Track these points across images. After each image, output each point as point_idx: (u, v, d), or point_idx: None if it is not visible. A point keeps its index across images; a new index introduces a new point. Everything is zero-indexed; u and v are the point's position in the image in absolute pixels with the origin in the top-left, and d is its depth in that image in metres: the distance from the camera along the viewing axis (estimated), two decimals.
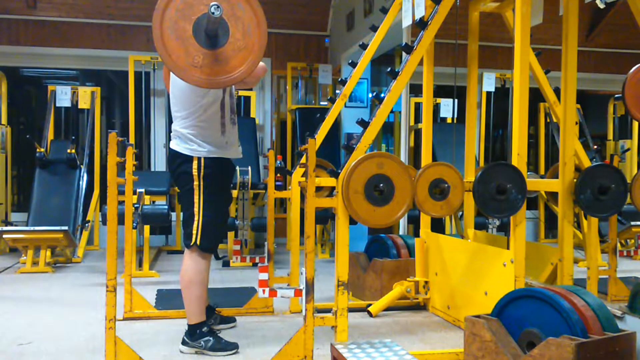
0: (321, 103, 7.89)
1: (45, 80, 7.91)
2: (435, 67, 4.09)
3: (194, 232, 3.18)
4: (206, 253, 3.23)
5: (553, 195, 6.16)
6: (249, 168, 6.00)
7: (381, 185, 2.93)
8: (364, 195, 2.92)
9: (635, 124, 7.58)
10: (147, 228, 5.75)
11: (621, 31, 8.13)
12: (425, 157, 4.01)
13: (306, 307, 2.83)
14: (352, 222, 2.96)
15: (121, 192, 3.34)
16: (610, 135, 7.89)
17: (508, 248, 3.19)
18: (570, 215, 3.35)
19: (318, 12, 8.06)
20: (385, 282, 4.14)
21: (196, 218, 3.17)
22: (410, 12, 3.48)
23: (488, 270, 3.34)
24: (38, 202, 6.29)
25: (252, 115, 7.38)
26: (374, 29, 4.06)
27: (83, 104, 7.05)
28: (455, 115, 5.32)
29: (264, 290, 3.09)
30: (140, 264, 5.50)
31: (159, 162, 7.66)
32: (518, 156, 3.11)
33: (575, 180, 3.33)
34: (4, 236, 5.60)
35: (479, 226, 5.20)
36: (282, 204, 7.56)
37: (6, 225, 6.06)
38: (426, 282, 3.97)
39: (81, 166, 6.61)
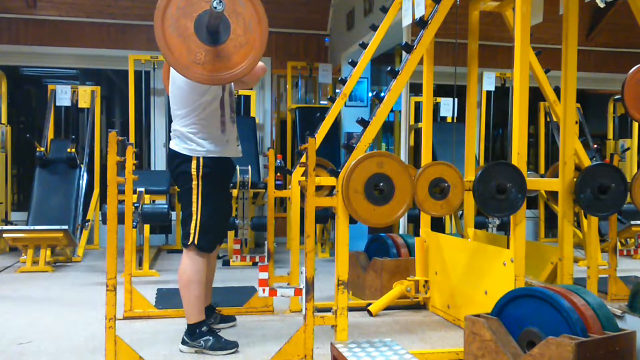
0: (321, 102, 7.89)
1: (45, 79, 7.91)
2: (435, 66, 4.09)
3: (192, 231, 3.17)
4: (204, 252, 3.23)
5: (553, 195, 6.16)
6: (249, 167, 6.00)
7: (381, 184, 2.93)
8: (364, 195, 2.92)
9: (635, 123, 7.58)
10: (147, 227, 5.75)
11: (621, 30, 8.13)
12: (425, 157, 4.01)
13: (306, 306, 2.83)
14: (352, 221, 2.96)
15: (121, 192, 3.34)
16: (610, 135, 7.89)
17: (508, 247, 3.19)
18: (570, 215, 3.35)
19: (318, 11, 8.05)
20: (385, 281, 4.14)
21: (194, 217, 3.17)
22: (410, 11, 3.48)
23: (488, 270, 3.34)
24: (38, 202, 6.29)
25: (252, 114, 7.38)
26: (374, 28, 4.06)
27: (83, 103, 7.05)
28: (455, 115, 5.33)
29: (264, 290, 3.09)
30: (140, 263, 5.50)
31: (159, 162, 7.66)
32: (518, 155, 3.11)
33: (575, 179, 3.33)
34: (4, 235, 5.60)
35: (479, 225, 5.21)
36: (282, 203, 7.57)
37: (6, 225, 6.06)
38: (426, 282, 3.97)
39: (81, 165, 6.61)
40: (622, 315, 2.84)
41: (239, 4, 2.68)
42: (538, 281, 3.81)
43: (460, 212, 5.94)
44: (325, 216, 6.05)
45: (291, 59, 7.80)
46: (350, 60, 4.11)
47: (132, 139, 6.93)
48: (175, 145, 3.24)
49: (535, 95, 4.54)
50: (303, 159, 3.42)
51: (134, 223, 4.87)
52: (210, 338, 3.15)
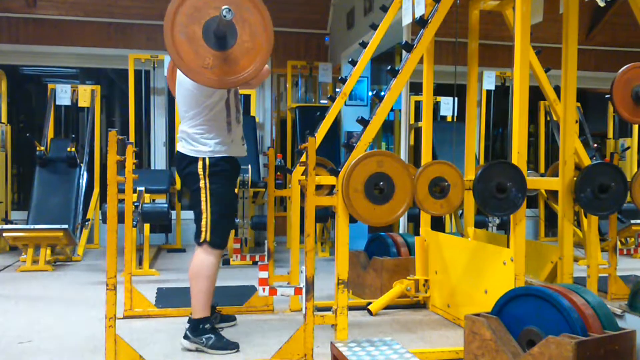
0: (321, 101, 7.89)
1: (45, 78, 7.91)
2: (436, 65, 4.09)
3: (203, 229, 3.23)
4: (216, 249, 3.27)
5: (553, 194, 6.16)
6: (249, 166, 6.00)
7: (381, 183, 2.93)
8: (364, 194, 2.92)
9: None
10: (147, 226, 5.75)
11: (621, 30, 8.13)
12: (425, 156, 4.01)
13: (306, 306, 2.83)
14: (352, 220, 2.97)
15: (121, 191, 3.35)
16: (610, 134, 7.89)
17: (508, 246, 3.19)
18: (570, 214, 3.35)
19: (318, 10, 8.05)
20: (385, 280, 4.14)
21: (204, 215, 3.23)
22: (410, 10, 3.47)
23: (488, 269, 3.34)
24: (38, 201, 6.30)
25: (252, 113, 7.38)
26: (374, 27, 4.06)
27: (83, 102, 7.05)
28: (455, 114, 5.33)
29: (264, 289, 3.09)
30: (140, 263, 5.50)
31: (159, 161, 7.66)
32: (518, 154, 3.11)
33: (575, 178, 3.33)
34: (4, 234, 5.60)
35: (479, 224, 5.20)
36: (282, 203, 7.57)
37: (6, 224, 6.06)
38: (426, 281, 3.97)
39: (81, 164, 6.61)
40: (622, 315, 2.84)
41: (246, 11, 2.75)
42: (538, 280, 3.81)
43: (460, 211, 5.94)
44: (325, 215, 6.05)
45: (291, 58, 7.80)
46: (350, 59, 4.11)
47: (132, 138, 6.93)
48: (182, 147, 3.31)
49: (535, 95, 4.54)
50: (303, 158, 3.42)
51: (134, 222, 4.87)
52: (212, 336, 3.16)
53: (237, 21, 2.73)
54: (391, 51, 7.05)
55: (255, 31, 2.79)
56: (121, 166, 3.51)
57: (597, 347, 2.27)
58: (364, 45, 4.09)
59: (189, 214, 7.46)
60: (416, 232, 4.71)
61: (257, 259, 5.84)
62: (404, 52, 3.30)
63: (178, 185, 7.11)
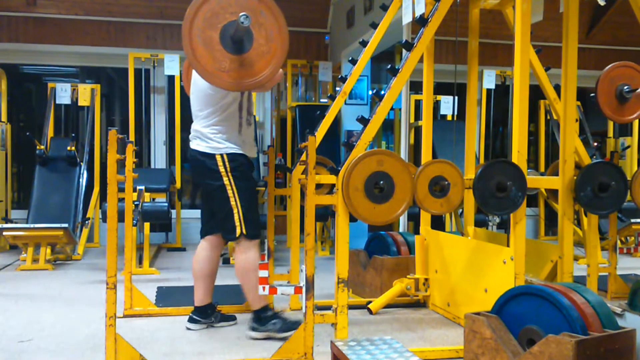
0: (321, 100, 7.88)
1: (45, 77, 7.91)
2: (436, 64, 4.09)
3: (237, 223, 3.30)
4: (253, 239, 3.36)
5: (553, 193, 6.15)
6: None
7: (381, 182, 2.93)
8: (364, 193, 2.92)
9: (636, 121, 7.58)
10: (147, 225, 5.76)
11: (621, 28, 8.13)
12: (426, 155, 4.01)
13: (306, 305, 2.83)
14: (352, 219, 2.97)
15: (121, 190, 3.34)
16: (611, 133, 7.89)
17: (508, 245, 3.19)
18: (571, 213, 3.35)
19: (318, 9, 8.05)
20: (385, 279, 4.14)
21: (235, 211, 3.30)
22: (410, 9, 3.47)
23: (488, 268, 3.34)
24: (38, 200, 6.29)
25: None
26: (374, 26, 4.05)
27: (83, 101, 7.05)
28: (456, 113, 5.33)
29: (264, 288, 3.09)
30: (140, 262, 5.50)
31: (159, 160, 7.66)
32: (518, 153, 3.11)
33: (575, 177, 3.33)
34: (4, 233, 5.60)
35: (479, 223, 5.19)
36: (282, 202, 7.57)
37: (6, 223, 6.06)
38: (426, 280, 3.97)
39: (81, 163, 6.61)
40: (622, 313, 2.84)
41: (261, 15, 2.85)
42: (538, 279, 3.81)
43: (460, 210, 5.93)
44: (325, 214, 6.05)
45: (291, 57, 7.78)
46: (350, 58, 4.11)
47: (132, 137, 6.93)
48: (197, 145, 3.37)
49: (536, 93, 4.54)
50: (303, 157, 3.42)
51: (134, 221, 4.87)
52: (277, 321, 3.31)
53: (253, 25, 2.81)
54: (391, 50, 7.06)
55: (270, 35, 2.89)
56: (121, 165, 3.51)
57: (597, 345, 2.27)
58: (364, 44, 4.09)
59: (188, 213, 7.54)
60: (416, 231, 4.71)
61: None
62: (404, 51, 3.30)
63: (178, 184, 7.12)
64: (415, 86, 6.61)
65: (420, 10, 3.35)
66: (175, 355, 3.08)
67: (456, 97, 4.59)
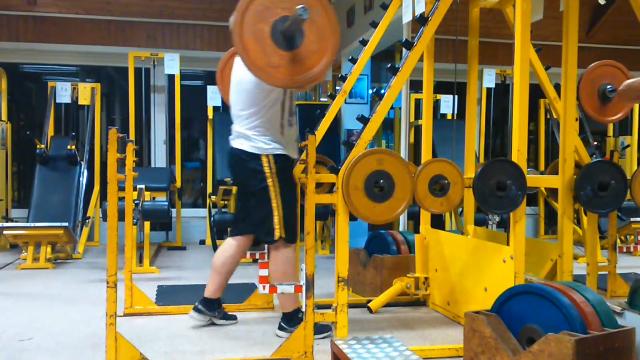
0: (321, 99, 7.88)
1: (45, 76, 7.91)
2: (436, 63, 4.09)
3: (276, 226, 3.28)
4: (292, 244, 3.36)
5: (553, 192, 6.15)
6: None
7: (381, 181, 2.94)
8: (364, 192, 2.92)
9: (635, 120, 7.59)
10: (147, 224, 5.76)
11: (621, 27, 8.13)
12: (425, 154, 4.01)
13: (306, 303, 2.83)
14: (352, 218, 2.97)
15: (121, 189, 3.35)
16: (610, 132, 7.89)
17: (508, 244, 3.19)
18: (570, 212, 3.35)
19: None
20: (385, 278, 4.15)
21: (276, 213, 3.27)
22: (410, 8, 3.47)
23: (488, 267, 3.34)
24: (38, 199, 6.30)
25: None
26: (374, 25, 4.05)
27: (83, 100, 7.06)
28: (456, 112, 5.33)
29: (264, 287, 3.09)
30: (140, 260, 5.51)
31: (159, 159, 7.66)
32: (518, 152, 3.11)
33: (575, 176, 3.33)
34: (5, 232, 5.61)
35: (479, 222, 5.20)
36: None
37: (7, 222, 6.07)
38: (426, 278, 3.97)
39: (81, 162, 6.61)
40: (621, 312, 2.84)
41: (315, 12, 2.81)
42: (538, 278, 3.81)
43: (460, 209, 5.93)
44: (325, 213, 6.05)
45: None
46: (350, 57, 4.11)
47: (132, 136, 6.93)
48: (240, 144, 3.35)
49: (536, 92, 4.54)
50: (303, 156, 3.42)
51: (135, 220, 4.88)
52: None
53: (305, 22, 2.77)
54: (391, 49, 7.06)
55: (322, 33, 2.86)
56: (121, 164, 3.52)
57: (596, 344, 2.27)
58: (364, 43, 4.09)
59: (188, 212, 7.55)
60: (416, 230, 4.71)
61: (257, 256, 5.83)
62: (404, 50, 3.30)
63: (178, 183, 7.12)
64: (415, 85, 6.62)
65: (420, 9, 3.35)
66: (176, 354, 3.08)
67: (456, 96, 4.59)
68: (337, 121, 7.19)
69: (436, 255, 3.91)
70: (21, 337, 3.37)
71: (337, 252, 2.96)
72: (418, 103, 7.23)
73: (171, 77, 7.23)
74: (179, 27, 7.63)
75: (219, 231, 6.62)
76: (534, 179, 3.83)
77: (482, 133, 7.63)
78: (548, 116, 7.82)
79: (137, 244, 5.61)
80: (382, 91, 3.24)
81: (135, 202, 5.11)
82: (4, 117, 6.97)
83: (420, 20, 3.32)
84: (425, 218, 4.08)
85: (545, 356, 2.28)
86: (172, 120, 7.32)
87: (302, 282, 2.86)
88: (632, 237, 6.47)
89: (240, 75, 3.33)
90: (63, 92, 7.01)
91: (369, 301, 3.85)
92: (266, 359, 2.88)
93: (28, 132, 6.76)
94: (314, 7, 2.79)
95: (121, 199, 3.35)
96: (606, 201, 3.32)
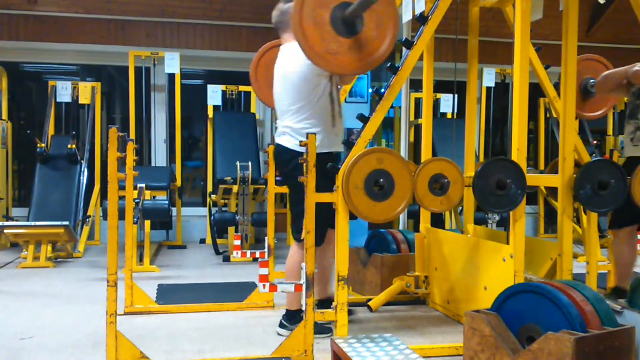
0: None
1: (46, 75, 7.91)
2: (435, 62, 4.09)
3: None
4: (317, 245, 3.31)
5: (553, 191, 6.15)
6: (249, 163, 6.01)
7: (381, 180, 2.94)
8: (364, 191, 2.93)
9: None
10: (147, 223, 5.77)
11: (621, 26, 8.13)
12: (425, 153, 4.02)
13: (306, 302, 2.84)
14: (352, 217, 2.97)
15: (122, 187, 3.35)
16: (610, 131, 7.89)
17: (507, 243, 3.19)
18: (570, 210, 3.36)
19: None
20: (385, 277, 4.15)
21: None
22: (410, 7, 3.47)
23: (488, 265, 3.35)
24: (39, 197, 6.30)
25: (253, 110, 7.38)
26: None
27: (83, 99, 7.06)
28: (455, 111, 5.33)
29: (264, 285, 3.10)
30: (140, 259, 5.51)
31: (159, 158, 7.67)
32: (518, 151, 3.11)
33: (574, 175, 3.33)
34: (5, 231, 5.61)
35: (479, 221, 5.20)
36: (282, 199, 7.57)
37: (7, 221, 6.07)
38: (426, 277, 3.98)
39: (82, 161, 6.62)
40: (621, 311, 2.85)
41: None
42: (537, 277, 3.82)
43: (460, 208, 5.94)
44: None
45: None
46: None
47: (132, 135, 6.93)
48: (286, 141, 3.32)
49: (535, 91, 4.54)
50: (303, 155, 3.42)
51: (135, 219, 4.88)
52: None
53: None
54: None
55: (381, 20, 2.87)
56: (122, 163, 3.52)
57: (596, 343, 2.28)
58: None
59: (189, 211, 7.54)
60: (416, 229, 4.72)
61: (257, 255, 5.84)
62: (404, 49, 3.30)
63: (179, 182, 7.13)
64: (415, 84, 6.62)
65: (420, 8, 3.35)
66: (176, 353, 3.09)
67: (456, 95, 4.59)
68: None
69: (436, 254, 3.92)
70: (22, 336, 3.38)
71: (337, 251, 2.96)
72: (418, 102, 7.23)
73: (171, 76, 7.23)
74: (179, 26, 7.63)
75: (219, 230, 6.63)
76: (533, 178, 3.83)
77: (482, 132, 7.64)
78: (548, 115, 7.82)
79: (137, 243, 5.62)
80: (382, 90, 3.24)
81: (136, 201, 5.11)
82: (5, 116, 6.97)
83: (420, 19, 3.32)
84: (425, 217, 4.09)
85: (544, 355, 2.28)
86: (172, 119, 7.32)
87: (302, 280, 2.87)
88: None
89: (286, 69, 3.33)
90: (63, 91, 7.01)
91: (369, 300, 3.85)
92: (266, 358, 2.89)
93: (28, 131, 6.76)
94: None
95: (121, 197, 3.35)
96: (606, 200, 3.32)
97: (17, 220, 6.10)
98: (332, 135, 3.31)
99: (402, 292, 3.94)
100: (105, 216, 5.38)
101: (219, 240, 6.43)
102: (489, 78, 7.64)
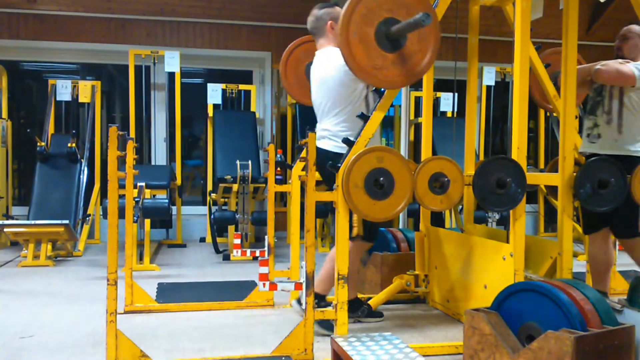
0: None
1: (46, 74, 7.90)
2: (435, 61, 4.07)
3: (355, 224, 3.35)
4: (368, 242, 3.52)
5: (553, 189, 6.16)
6: (249, 162, 6.01)
7: (381, 179, 2.94)
8: (364, 189, 2.93)
9: None
10: (147, 222, 5.77)
11: (621, 25, 8.05)
12: (425, 151, 4.02)
13: (306, 301, 2.84)
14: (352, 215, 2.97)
15: (122, 186, 3.35)
16: None
17: (508, 242, 3.19)
18: (570, 209, 3.36)
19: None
20: (385, 275, 4.16)
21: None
22: None
23: (488, 264, 3.35)
24: (39, 196, 6.30)
25: (253, 109, 7.38)
26: None
27: (83, 98, 7.05)
28: (455, 109, 5.33)
29: (264, 284, 3.10)
30: (141, 258, 5.51)
31: (159, 156, 7.67)
32: (518, 150, 3.11)
33: (574, 174, 3.33)
34: (5, 230, 5.61)
35: (479, 220, 5.20)
36: (282, 198, 7.58)
37: (7, 219, 6.07)
38: (426, 276, 3.98)
39: (82, 160, 6.61)
40: (621, 310, 2.85)
41: (415, 12, 2.85)
42: (537, 276, 3.82)
43: (460, 206, 5.94)
44: (325, 211, 6.06)
45: None
46: None
47: (132, 134, 6.93)
48: (325, 144, 3.42)
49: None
50: (303, 154, 3.42)
51: (135, 218, 4.88)
52: (365, 308, 3.58)
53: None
54: None
55: (423, 34, 2.95)
56: (122, 162, 3.52)
57: (596, 342, 2.28)
58: None
59: (189, 210, 7.54)
60: (416, 228, 4.72)
61: (257, 254, 5.83)
62: None
63: (179, 181, 7.13)
64: (415, 83, 6.60)
65: None
66: (176, 352, 3.09)
67: (456, 94, 4.59)
68: None
69: (436, 253, 3.92)
70: (22, 335, 3.38)
71: (336, 250, 2.96)
72: (418, 101, 7.23)
73: (171, 75, 7.23)
74: (179, 24, 7.63)
75: (219, 229, 6.63)
76: (533, 177, 3.83)
77: (482, 131, 7.64)
78: (548, 114, 7.81)
79: (137, 242, 5.62)
80: (382, 89, 3.24)
81: (136, 199, 5.11)
82: (5, 114, 6.97)
83: None
84: (425, 216, 4.09)
85: (544, 353, 2.28)
86: (172, 118, 7.32)
87: (303, 279, 2.87)
88: None
89: (323, 75, 3.40)
90: (63, 89, 7.01)
91: (369, 299, 3.86)
92: (266, 357, 2.89)
93: (28, 130, 6.75)
94: (415, 10, 2.87)
95: (121, 196, 3.35)
96: (606, 199, 3.31)
97: (17, 219, 6.10)
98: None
99: (402, 291, 3.94)
100: (105, 215, 5.38)
101: (219, 239, 6.43)
102: (489, 77, 7.64)
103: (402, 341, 2.77)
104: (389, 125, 8.31)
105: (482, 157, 7.14)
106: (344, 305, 2.94)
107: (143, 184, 5.39)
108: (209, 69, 8.23)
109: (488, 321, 2.52)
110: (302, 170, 3.69)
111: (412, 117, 6.88)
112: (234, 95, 7.38)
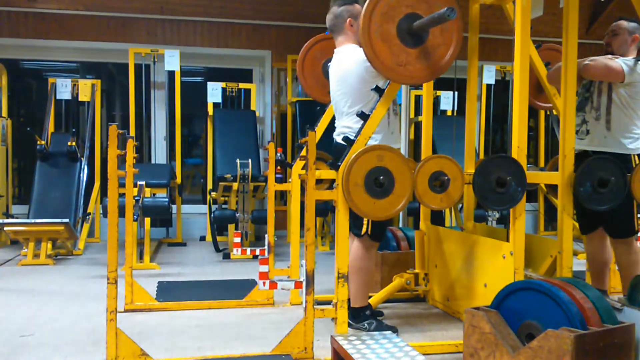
0: None
1: (46, 72, 7.90)
2: None
3: (365, 222, 3.32)
4: (376, 241, 3.44)
5: (553, 188, 6.16)
6: (250, 161, 6.00)
7: (381, 177, 2.94)
8: (364, 188, 2.93)
9: None
10: (147, 220, 5.77)
11: None
12: (425, 150, 4.02)
13: (306, 299, 2.84)
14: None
15: (122, 185, 3.35)
16: None
17: (507, 240, 3.19)
18: (570, 208, 3.36)
19: (318, 4, 8.02)
20: (385, 274, 4.16)
21: None
22: None
23: (487, 263, 3.35)
24: (39, 195, 6.30)
25: (253, 107, 7.37)
26: None
27: (83, 96, 7.05)
28: (455, 108, 5.33)
29: (264, 283, 3.10)
30: (141, 257, 5.51)
31: (159, 155, 7.67)
32: (518, 149, 3.11)
33: (575, 172, 3.33)
34: (5, 229, 5.62)
35: (479, 218, 5.21)
36: (282, 197, 7.58)
37: (7, 218, 6.07)
38: (426, 274, 3.98)
39: (82, 159, 6.62)
40: (621, 308, 2.85)
41: (436, 6, 2.86)
42: (537, 274, 3.82)
43: (460, 205, 5.94)
44: (325, 209, 6.06)
45: (291, 52, 7.77)
46: None
47: (132, 132, 6.93)
48: (343, 140, 3.32)
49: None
50: (303, 153, 3.42)
51: (135, 216, 4.88)
52: (374, 322, 3.38)
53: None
54: None
55: (445, 26, 2.92)
56: (122, 160, 3.52)
57: (596, 340, 2.28)
58: None
59: (189, 208, 7.54)
60: (416, 226, 4.72)
61: (257, 252, 5.83)
62: None
63: (179, 180, 7.13)
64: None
65: None
66: (176, 350, 3.09)
67: (456, 93, 4.59)
68: None
69: (436, 252, 3.92)
70: (22, 333, 3.38)
71: (337, 249, 2.96)
72: (418, 99, 7.23)
73: (171, 74, 7.23)
74: (179, 23, 7.63)
75: (219, 227, 6.64)
76: (533, 175, 3.82)
77: (482, 129, 7.63)
78: (548, 112, 7.81)
79: (137, 240, 5.62)
80: (382, 87, 3.24)
81: (136, 198, 5.11)
82: (5, 113, 6.97)
83: None
84: (425, 214, 4.09)
85: (544, 352, 2.28)
86: (172, 117, 7.32)
87: (302, 278, 2.87)
88: None
89: (342, 72, 3.38)
90: (63, 88, 7.01)
91: (369, 297, 3.86)
92: (266, 355, 2.89)
93: (28, 129, 6.75)
94: (435, 2, 2.86)
95: (121, 195, 3.35)
96: (606, 197, 3.31)
97: (17, 218, 6.10)
98: (389, 133, 3.38)
99: (402, 290, 3.94)
100: (105, 213, 5.38)
101: (219, 238, 6.43)
102: (489, 75, 7.63)
103: (402, 339, 2.78)
104: None
105: (482, 156, 7.14)
106: (344, 303, 2.94)
107: (143, 182, 5.39)
108: (209, 67, 8.23)
109: (488, 320, 2.52)
110: (302, 168, 3.70)
111: (412, 116, 6.87)
112: (234, 93, 7.38)
